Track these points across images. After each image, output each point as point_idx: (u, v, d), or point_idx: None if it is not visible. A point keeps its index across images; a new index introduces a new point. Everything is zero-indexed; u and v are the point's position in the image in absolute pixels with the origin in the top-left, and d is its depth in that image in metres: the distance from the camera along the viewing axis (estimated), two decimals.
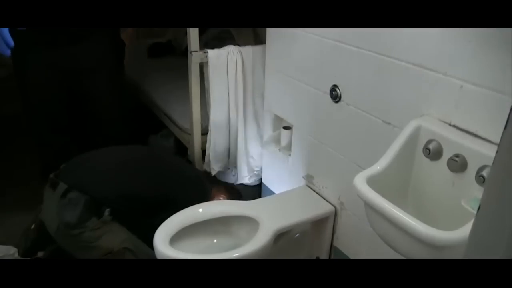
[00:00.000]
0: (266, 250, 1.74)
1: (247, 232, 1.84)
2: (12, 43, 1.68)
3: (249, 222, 1.87)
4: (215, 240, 1.94)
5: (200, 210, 1.88)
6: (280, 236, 1.85)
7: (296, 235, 2.03)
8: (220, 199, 2.11)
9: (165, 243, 1.70)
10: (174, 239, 1.76)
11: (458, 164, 1.26)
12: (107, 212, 1.86)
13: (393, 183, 1.38)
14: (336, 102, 1.77)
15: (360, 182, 1.29)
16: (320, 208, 1.96)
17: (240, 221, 1.92)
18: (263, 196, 2.52)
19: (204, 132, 2.46)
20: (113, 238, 1.87)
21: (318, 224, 1.99)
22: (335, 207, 1.95)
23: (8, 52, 1.72)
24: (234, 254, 1.68)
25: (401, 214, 1.16)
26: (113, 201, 1.89)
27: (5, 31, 1.67)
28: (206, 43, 2.66)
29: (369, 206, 1.26)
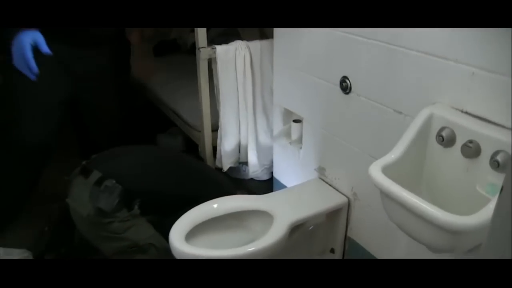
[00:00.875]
0: (282, 243, 1.75)
1: (262, 226, 1.85)
2: (36, 69, 1.67)
3: (264, 216, 1.88)
4: (230, 235, 1.95)
5: (215, 205, 1.90)
6: (295, 229, 1.86)
7: (310, 228, 2.04)
8: None
9: (181, 239, 1.72)
10: (190, 235, 1.78)
11: (472, 150, 1.27)
12: (136, 206, 1.89)
13: (407, 171, 1.39)
14: (347, 93, 1.78)
15: (376, 171, 1.30)
16: (334, 200, 1.97)
17: (254, 215, 1.94)
18: (275, 190, 2.53)
19: (214, 129, 2.47)
20: (140, 232, 1.90)
21: (331, 215, 2.00)
22: (348, 198, 1.96)
23: (33, 77, 1.71)
24: (250, 248, 1.69)
25: (418, 201, 1.17)
26: (145, 194, 1.92)
27: (30, 57, 1.66)
28: (212, 40, 2.67)
29: (386, 195, 1.27)
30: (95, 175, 1.88)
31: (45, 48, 1.73)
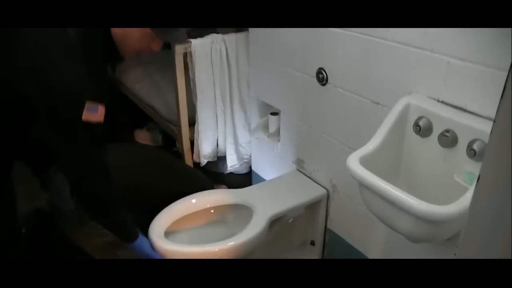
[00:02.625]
0: (262, 237, 1.74)
1: (242, 220, 1.84)
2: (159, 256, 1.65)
3: (243, 209, 1.87)
4: (210, 230, 1.94)
5: (194, 200, 1.88)
6: (274, 222, 1.86)
7: (290, 220, 2.03)
8: None
9: (160, 235, 1.69)
10: (169, 231, 1.76)
11: (449, 140, 1.28)
12: None
13: (385, 162, 1.40)
14: (323, 85, 1.78)
15: (354, 162, 1.30)
16: (313, 192, 1.96)
17: (234, 209, 1.93)
18: (254, 184, 2.52)
19: (192, 123, 2.45)
20: None
21: (311, 207, 2.00)
22: (327, 190, 1.96)
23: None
24: (230, 243, 1.68)
25: (396, 192, 1.17)
26: (125, 190, 1.88)
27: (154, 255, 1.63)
28: (187, 33, 2.64)
29: (364, 186, 1.27)
30: None
31: None
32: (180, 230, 1.84)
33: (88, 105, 1.32)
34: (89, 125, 1.36)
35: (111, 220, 1.56)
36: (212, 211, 1.92)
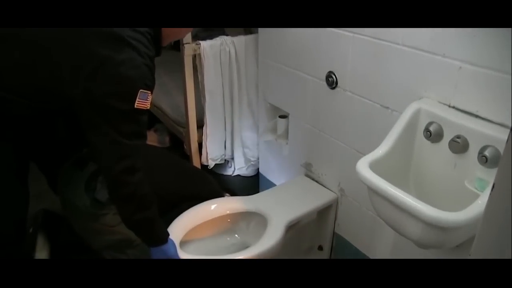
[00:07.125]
0: (279, 245, 1.72)
1: (256, 229, 1.84)
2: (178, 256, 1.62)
3: (256, 217, 1.86)
4: (224, 238, 1.93)
5: (213, 206, 1.87)
6: (288, 228, 1.84)
7: (301, 225, 2.01)
8: None
9: (176, 244, 1.66)
10: (185, 238, 1.74)
11: (459, 145, 1.26)
12: None
13: (395, 167, 1.38)
14: (333, 88, 1.76)
15: (363, 167, 1.28)
16: (324, 197, 1.95)
17: (246, 217, 1.91)
18: (261, 187, 2.52)
19: (200, 125, 2.44)
20: None
21: (321, 212, 1.99)
22: (335, 194, 1.94)
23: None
24: (250, 252, 1.65)
25: (406, 197, 1.16)
26: None
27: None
28: (196, 35, 2.64)
29: (373, 191, 1.26)
30: (92, 166, 1.83)
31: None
32: (195, 237, 1.82)
33: (141, 92, 1.32)
34: (139, 112, 1.34)
35: (143, 215, 1.48)
36: (228, 220, 1.90)
